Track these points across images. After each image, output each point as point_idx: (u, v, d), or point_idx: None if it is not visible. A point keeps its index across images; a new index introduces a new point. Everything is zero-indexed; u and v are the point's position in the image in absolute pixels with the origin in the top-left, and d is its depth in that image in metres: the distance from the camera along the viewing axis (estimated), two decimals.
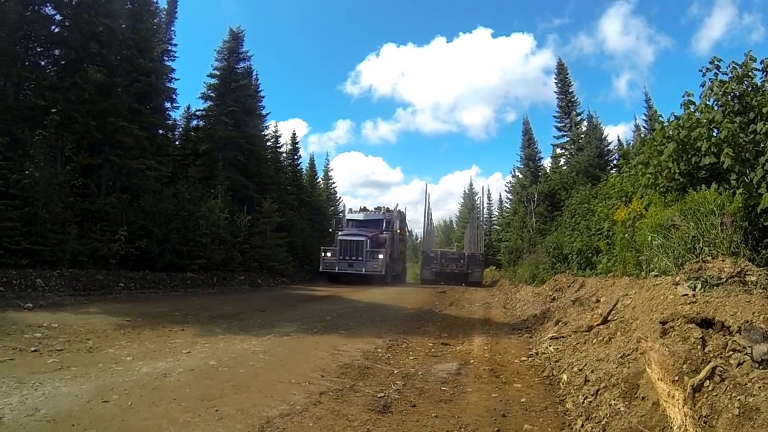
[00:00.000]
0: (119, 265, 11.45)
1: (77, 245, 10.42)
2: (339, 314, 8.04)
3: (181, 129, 23.11)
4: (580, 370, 3.87)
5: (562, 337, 5.28)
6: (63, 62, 14.28)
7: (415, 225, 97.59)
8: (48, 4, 14.22)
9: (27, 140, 10.71)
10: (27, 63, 13.88)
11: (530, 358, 5.02)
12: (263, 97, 26.10)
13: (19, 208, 9.56)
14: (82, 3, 13.99)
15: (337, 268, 21.74)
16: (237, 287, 15.10)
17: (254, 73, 25.13)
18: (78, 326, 5.51)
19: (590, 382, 3.49)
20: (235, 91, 21.92)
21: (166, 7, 21.24)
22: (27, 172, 9.89)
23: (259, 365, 4.22)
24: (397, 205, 31.86)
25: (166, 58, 20.13)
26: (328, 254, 22.35)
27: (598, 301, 6.23)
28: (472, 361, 4.86)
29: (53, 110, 11.52)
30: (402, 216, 30.48)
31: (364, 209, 29.64)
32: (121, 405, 3.01)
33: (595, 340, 4.46)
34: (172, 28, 21.73)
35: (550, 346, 5.19)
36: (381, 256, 22.15)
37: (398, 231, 26.75)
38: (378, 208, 28.36)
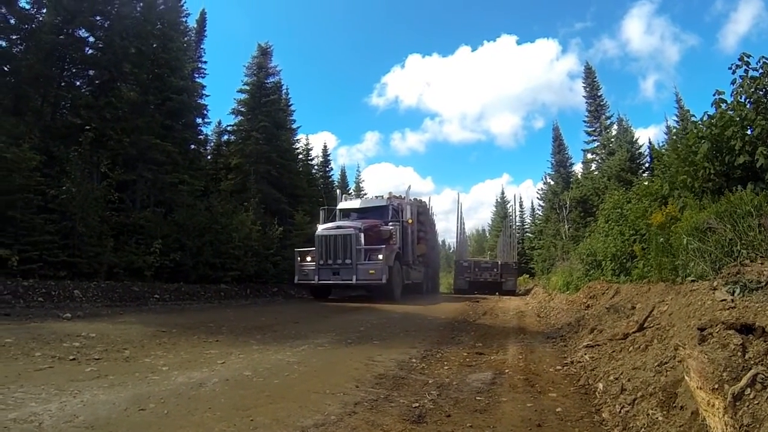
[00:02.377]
0: (154, 277, 11.65)
1: (113, 258, 10.65)
2: (373, 325, 7.98)
3: (212, 144, 23.49)
4: (616, 378, 3.73)
5: (598, 345, 5.12)
6: (97, 82, 14.72)
7: (448, 234, 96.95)
8: (81, 28, 14.74)
9: (64, 157, 11.07)
10: (63, 84, 14.38)
11: (565, 367, 4.86)
12: (294, 111, 26.41)
13: (58, 222, 9.86)
14: (114, 26, 14.47)
15: (317, 277, 14.46)
16: (270, 299, 15.24)
17: (284, 87, 25.48)
18: (115, 336, 5.58)
19: (627, 391, 3.36)
20: (266, 106, 22.14)
21: (195, 26, 21.77)
22: (64, 187, 10.22)
23: (294, 376, 4.18)
24: (409, 188, 22.00)
25: (197, 76, 20.59)
26: (308, 258, 15.08)
27: (633, 307, 6.05)
28: (506, 371, 4.72)
29: (88, 128, 11.89)
30: (422, 207, 21.19)
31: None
32: (158, 413, 3.00)
33: (631, 348, 4.31)
34: (202, 46, 22.33)
35: (585, 354, 5.03)
36: (381, 257, 14.20)
37: (409, 221, 17.17)
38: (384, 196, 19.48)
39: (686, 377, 2.76)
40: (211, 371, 4.13)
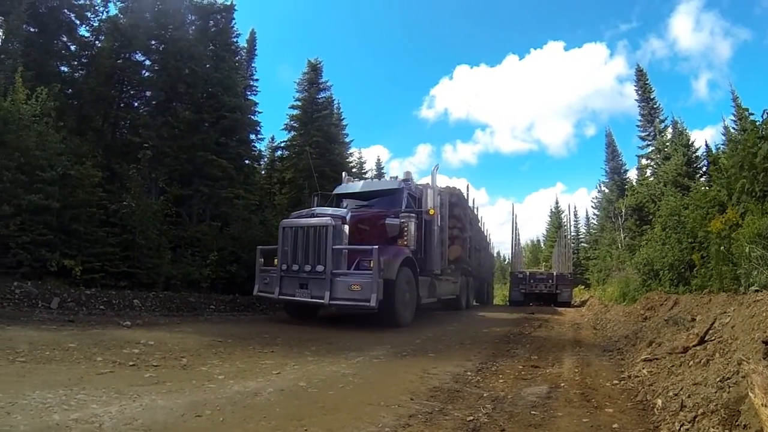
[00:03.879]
0: (210, 289, 11.87)
1: (171, 269, 10.92)
2: (428, 337, 7.87)
3: (266, 159, 23.82)
4: (676, 394, 3.52)
5: (656, 359, 4.88)
6: (154, 102, 15.39)
7: (503, 246, 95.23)
8: (138, 52, 15.51)
9: (124, 174, 11.56)
10: (122, 105, 15.14)
11: (622, 382, 4.62)
12: (346, 125, 26.57)
13: (119, 235, 10.23)
14: (168, 49, 15.11)
15: (277, 290, 9.48)
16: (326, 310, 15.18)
17: (335, 102, 25.74)
18: (172, 344, 5.67)
19: (687, 408, 3.15)
20: (318, 121, 22.36)
21: (245, 45, 22.37)
22: (125, 202, 10.62)
23: (349, 387, 4.12)
24: (436, 168, 11.81)
25: (249, 93, 21.04)
26: (275, 261, 10.06)
27: (693, 319, 5.79)
28: (562, 384, 4.54)
29: (147, 146, 12.41)
30: (456, 197, 14.73)
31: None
32: (214, 420, 3.01)
33: (691, 362, 4.08)
34: (253, 65, 22.86)
35: (643, 368, 4.77)
36: (372, 265, 8.63)
37: (431, 211, 10.94)
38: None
39: (750, 394, 2.63)
40: (267, 381, 4.12)
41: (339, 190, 12.66)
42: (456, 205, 14.57)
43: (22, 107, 9.63)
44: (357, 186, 12.78)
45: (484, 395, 4.01)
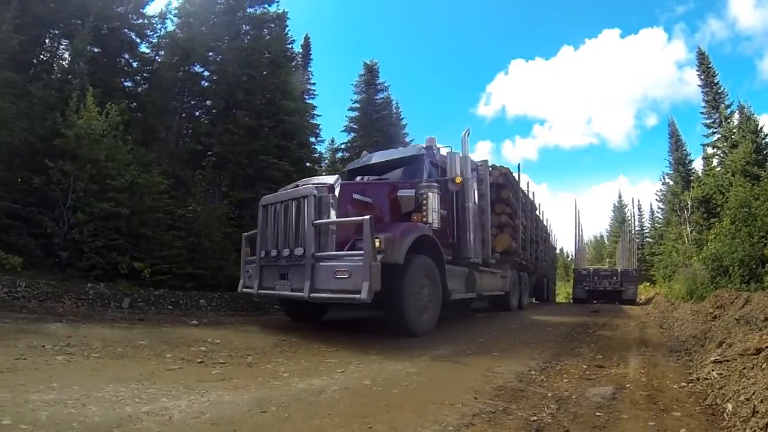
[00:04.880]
0: None
1: (235, 270, 11.23)
2: (493, 336, 7.71)
3: (327, 161, 24.11)
4: (748, 399, 3.24)
5: (726, 360, 4.51)
6: (214, 111, 15.94)
7: (565, 243, 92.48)
8: (196, 64, 16.14)
9: (189, 180, 12.06)
10: (184, 115, 15.85)
11: (690, 384, 4.33)
12: (405, 125, 26.51)
13: (185, 239, 10.66)
14: (225, 59, 15.63)
15: (257, 283, 7.62)
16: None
17: (394, 102, 25.79)
18: (238, 343, 5.77)
19: (759, 414, 2.91)
20: (377, 122, 22.59)
21: (300, 51, 22.79)
22: (190, 207, 11.10)
23: (413, 386, 4.06)
24: (467, 134, 9.32)
25: (307, 97, 21.44)
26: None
27: (766, 319, 5.42)
28: (627, 386, 4.31)
29: (209, 153, 12.86)
30: (503, 177, 13.00)
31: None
32: (279, 416, 3.02)
33: (764, 365, 3.73)
34: (309, 69, 23.29)
35: (712, 370, 4.43)
36: (366, 246, 6.08)
37: (458, 180, 8.63)
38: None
39: None
40: (331, 379, 4.11)
41: (351, 166, 10.65)
42: (503, 186, 12.81)
43: (93, 123, 10.20)
44: (370, 158, 10.20)
45: (548, 395, 3.87)
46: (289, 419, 2.99)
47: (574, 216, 41.05)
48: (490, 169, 11.61)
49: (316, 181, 7.44)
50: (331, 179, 7.22)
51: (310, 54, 23.88)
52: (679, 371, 5.01)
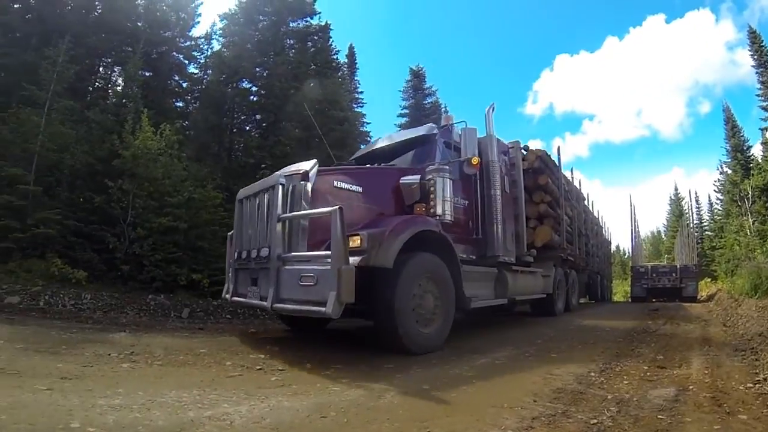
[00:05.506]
0: None
1: None
2: (550, 337, 7.54)
3: None
4: None
5: None
6: (264, 124, 16.38)
7: (622, 239, 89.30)
8: (244, 80, 16.61)
9: None
10: (234, 130, 16.33)
11: (757, 385, 4.07)
12: None
13: None
14: (272, 74, 15.99)
15: (230, 288, 6.82)
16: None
17: (442, 106, 25.89)
18: (296, 350, 5.83)
19: None
20: None
21: (346, 60, 23.12)
22: None
23: (472, 389, 4.00)
24: (492, 109, 8.00)
25: (355, 106, 21.74)
26: None
27: None
28: (690, 387, 4.10)
29: (262, 166, 13.11)
30: (540, 160, 11.15)
31: None
32: (338, 421, 3.02)
33: None
34: (356, 78, 23.67)
35: None
36: (332, 248, 4.69)
37: (474, 161, 6.82)
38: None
39: None
40: (390, 384, 4.08)
41: (358, 153, 9.25)
42: (540, 171, 10.91)
43: (149, 143, 10.67)
44: (378, 143, 8.66)
45: (609, 397, 3.75)
46: (348, 424, 2.98)
47: (629, 211, 39.61)
48: (523, 152, 10.07)
49: (294, 169, 5.98)
50: (307, 165, 5.85)
51: (356, 63, 24.28)
52: (744, 371, 4.77)
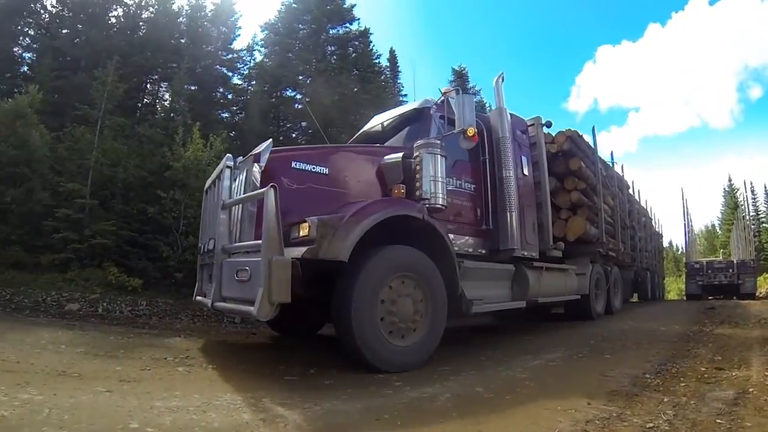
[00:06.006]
0: None
1: None
2: (603, 338, 7.30)
3: None
4: None
5: None
6: (310, 131, 16.59)
7: (675, 235, 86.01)
8: (287, 88, 16.89)
9: None
10: (281, 138, 16.61)
11: None
12: None
13: None
14: (315, 81, 16.27)
15: (198, 287, 6.15)
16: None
17: (488, 105, 25.75)
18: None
19: None
20: None
21: (387, 64, 23.23)
22: None
23: (525, 392, 3.94)
24: (501, 78, 7.11)
25: None
26: None
27: None
28: (750, 390, 3.89)
29: None
30: (571, 141, 9.46)
31: None
32: (391, 424, 3.04)
33: None
34: (399, 81, 23.71)
35: None
36: (263, 236, 3.92)
37: (470, 133, 5.42)
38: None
39: None
40: (443, 386, 4.05)
41: (355, 137, 8.06)
42: (571, 154, 9.38)
43: (199, 154, 11.02)
44: (371, 122, 7.84)
45: (665, 400, 3.61)
46: (401, 426, 2.99)
47: (681, 205, 38.04)
48: (546, 128, 8.48)
49: (258, 151, 5.09)
50: (261, 146, 5.07)
51: (398, 66, 24.28)
52: None
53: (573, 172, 9.39)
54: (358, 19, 19.17)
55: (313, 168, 5.10)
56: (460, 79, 23.85)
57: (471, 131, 5.45)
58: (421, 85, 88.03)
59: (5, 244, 10.52)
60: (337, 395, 3.66)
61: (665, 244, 29.95)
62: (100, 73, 12.73)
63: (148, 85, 18.30)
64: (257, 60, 18.62)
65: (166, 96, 17.32)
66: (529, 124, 8.23)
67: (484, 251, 6.57)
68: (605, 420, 3.10)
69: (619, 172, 14.29)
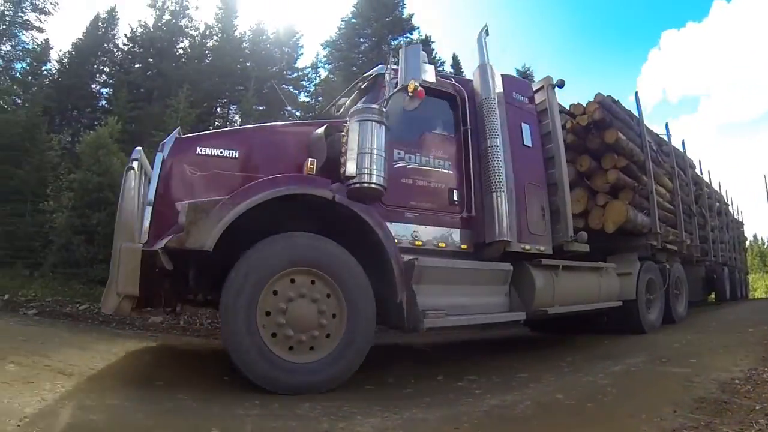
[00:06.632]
0: None
1: None
2: (687, 341, 6.93)
3: None
4: None
5: None
6: None
7: (760, 226, 79.99)
8: None
9: None
10: None
11: None
12: None
13: None
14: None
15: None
16: None
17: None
18: (427, 361, 5.91)
19: None
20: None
21: (452, 70, 23.25)
22: None
23: (607, 399, 3.83)
24: (485, 32, 5.66)
25: None
26: None
27: None
28: None
29: None
30: (604, 109, 7.76)
31: None
32: None
33: None
34: None
35: None
36: (116, 223, 4.09)
37: (412, 87, 4.19)
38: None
39: None
40: (523, 394, 4.00)
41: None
42: (605, 125, 7.73)
43: None
44: (342, 99, 6.75)
45: (756, 408, 3.41)
46: None
47: (765, 194, 34.50)
48: (558, 87, 6.57)
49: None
50: (176, 132, 4.54)
51: (462, 72, 24.29)
52: None
53: (610, 146, 7.77)
54: (418, 27, 19.39)
55: (221, 152, 4.44)
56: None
57: (412, 85, 4.33)
58: None
59: (93, 263, 11.38)
60: (415, 404, 3.65)
61: (750, 238, 27.30)
62: (172, 101, 13.53)
63: (219, 109, 19.26)
64: (322, 76, 19.13)
65: (236, 118, 18.10)
66: (537, 88, 6.66)
67: (465, 246, 5.20)
68: (693, 429, 2.98)
69: (678, 147, 11.48)
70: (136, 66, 20.45)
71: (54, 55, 20.69)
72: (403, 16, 19.84)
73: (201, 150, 4.36)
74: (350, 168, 4.24)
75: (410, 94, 4.29)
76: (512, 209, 5.28)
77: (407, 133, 5.05)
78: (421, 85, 4.29)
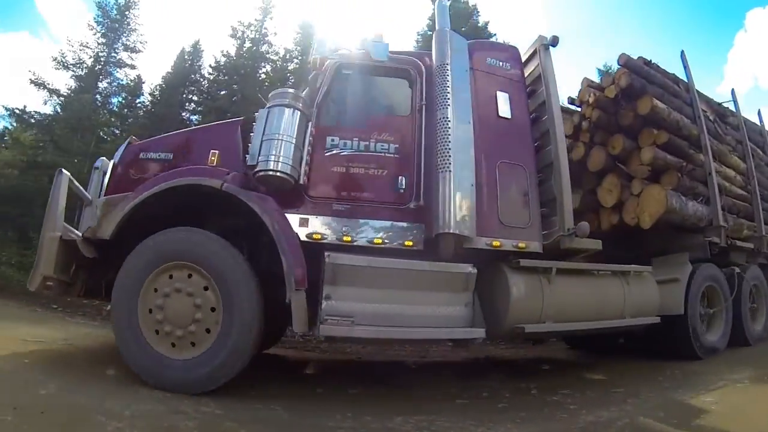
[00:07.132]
0: None
1: None
2: None
3: None
4: None
5: None
6: None
7: None
8: None
9: None
10: None
11: None
12: None
13: None
14: None
15: None
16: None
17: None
18: (521, 375, 5.83)
19: None
20: None
21: None
22: None
23: (712, 418, 3.66)
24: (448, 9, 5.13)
25: None
26: None
27: None
28: None
29: None
30: (636, 75, 6.18)
31: None
32: None
33: None
34: None
35: None
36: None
37: (311, 63, 4.85)
38: None
39: None
40: (620, 411, 3.89)
41: None
42: (640, 92, 6.16)
43: None
44: None
45: None
46: None
47: None
48: (552, 46, 5.28)
49: None
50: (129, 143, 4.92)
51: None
52: None
53: (646, 118, 6.12)
54: (495, 34, 19.20)
55: (159, 155, 4.64)
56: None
57: (313, 60, 4.58)
58: (568, 90, 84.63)
59: None
60: (510, 418, 3.65)
61: None
62: None
63: None
64: None
65: None
66: (530, 53, 5.51)
67: (410, 242, 4.33)
68: None
69: (755, 122, 8.85)
70: (222, 93, 21.67)
71: (146, 88, 22.82)
72: (479, 25, 19.77)
73: (143, 155, 4.67)
74: (252, 156, 4.10)
75: (312, 65, 4.44)
76: (469, 194, 4.26)
77: (351, 118, 4.69)
78: (374, 62, 4.44)
